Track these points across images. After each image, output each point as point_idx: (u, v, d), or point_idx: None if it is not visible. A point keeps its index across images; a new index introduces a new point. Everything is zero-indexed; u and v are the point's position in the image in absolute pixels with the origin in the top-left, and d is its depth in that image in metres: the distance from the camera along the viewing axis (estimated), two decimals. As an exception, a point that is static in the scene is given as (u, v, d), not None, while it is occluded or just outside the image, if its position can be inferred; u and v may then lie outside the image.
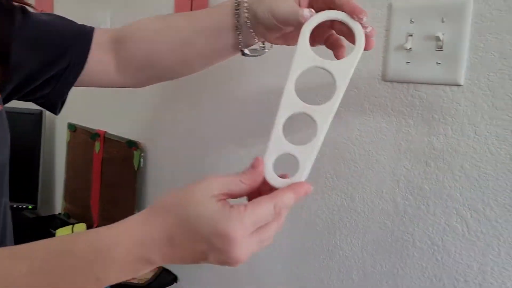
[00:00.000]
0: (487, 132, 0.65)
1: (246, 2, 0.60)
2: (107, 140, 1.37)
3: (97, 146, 1.39)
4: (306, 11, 0.53)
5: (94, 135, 1.40)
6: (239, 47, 0.64)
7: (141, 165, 1.24)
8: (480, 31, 0.64)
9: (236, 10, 0.61)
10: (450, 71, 0.67)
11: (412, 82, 0.71)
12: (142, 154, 1.24)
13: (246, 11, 0.60)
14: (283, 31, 0.58)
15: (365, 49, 0.53)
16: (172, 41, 0.67)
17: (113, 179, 1.35)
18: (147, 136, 1.25)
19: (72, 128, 1.52)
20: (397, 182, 0.74)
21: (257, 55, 0.65)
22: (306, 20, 0.53)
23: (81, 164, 1.48)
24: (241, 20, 0.61)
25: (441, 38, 0.67)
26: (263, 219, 0.45)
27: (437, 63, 0.69)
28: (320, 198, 0.85)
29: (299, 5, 0.55)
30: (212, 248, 0.44)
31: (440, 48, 0.68)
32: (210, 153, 1.06)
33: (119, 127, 1.34)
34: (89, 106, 1.45)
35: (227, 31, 0.63)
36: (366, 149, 0.78)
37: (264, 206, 0.45)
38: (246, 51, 0.64)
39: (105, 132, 1.38)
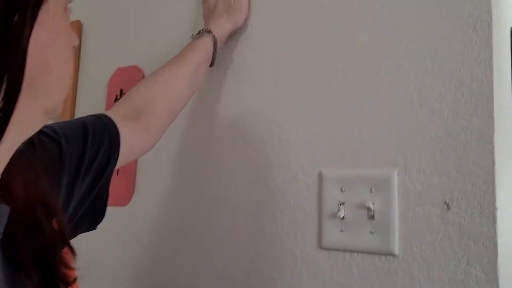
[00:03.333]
0: (427, 304, 0.64)
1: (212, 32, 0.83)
2: None
3: None
4: None
5: None
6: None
7: None
8: (407, 202, 0.68)
9: (214, 42, 0.83)
10: (384, 240, 0.69)
11: (348, 251, 0.71)
12: None
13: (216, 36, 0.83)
14: None
15: None
16: (179, 89, 0.79)
17: None
18: None
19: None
20: None
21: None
22: None
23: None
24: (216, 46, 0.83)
25: (371, 208, 0.70)
26: None
27: (370, 232, 0.70)
28: None
29: None
30: None
31: (372, 217, 0.70)
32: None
33: None
34: None
35: (209, 59, 0.84)
36: (307, 321, 0.73)
37: None
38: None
39: None
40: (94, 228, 0.66)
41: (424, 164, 0.67)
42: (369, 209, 0.70)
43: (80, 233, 0.63)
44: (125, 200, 0.99)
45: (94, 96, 1.10)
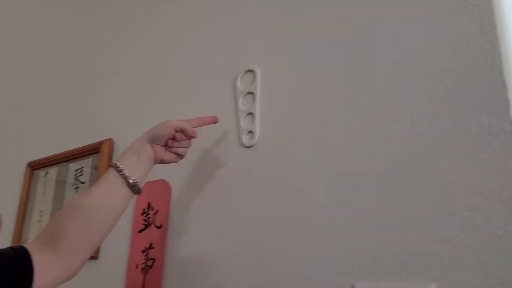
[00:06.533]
0: None
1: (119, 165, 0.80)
2: None
3: None
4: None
5: None
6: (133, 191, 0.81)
7: None
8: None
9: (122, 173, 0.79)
10: None
11: None
12: None
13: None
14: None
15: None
16: (92, 215, 0.76)
17: None
18: None
19: None
20: None
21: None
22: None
23: None
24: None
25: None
26: None
27: None
28: None
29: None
30: None
31: (413, 336, 0.66)
32: None
33: None
34: None
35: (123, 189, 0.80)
36: None
37: None
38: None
39: None
40: None
41: (464, 277, 0.65)
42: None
43: None
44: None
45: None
